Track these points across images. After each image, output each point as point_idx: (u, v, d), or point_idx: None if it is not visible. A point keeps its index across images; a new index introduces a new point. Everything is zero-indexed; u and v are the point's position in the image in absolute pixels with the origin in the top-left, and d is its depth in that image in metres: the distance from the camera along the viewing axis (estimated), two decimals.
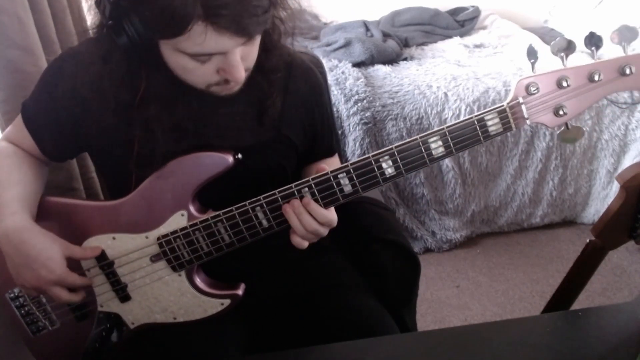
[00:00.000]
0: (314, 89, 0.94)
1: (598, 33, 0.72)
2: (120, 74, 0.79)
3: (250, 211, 0.80)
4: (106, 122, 0.83)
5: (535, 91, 0.74)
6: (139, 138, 0.81)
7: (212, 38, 0.67)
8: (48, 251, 0.78)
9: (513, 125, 0.76)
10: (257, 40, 0.76)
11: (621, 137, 2.04)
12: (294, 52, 0.93)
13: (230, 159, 0.81)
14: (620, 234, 1.00)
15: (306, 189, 0.78)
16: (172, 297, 0.87)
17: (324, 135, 0.99)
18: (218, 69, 0.74)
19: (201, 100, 0.84)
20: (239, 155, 0.82)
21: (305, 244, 0.81)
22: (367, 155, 0.78)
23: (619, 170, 2.07)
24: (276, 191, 0.79)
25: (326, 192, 0.79)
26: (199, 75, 0.75)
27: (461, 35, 2.52)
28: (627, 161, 2.07)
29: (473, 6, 2.64)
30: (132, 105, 0.80)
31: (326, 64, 2.04)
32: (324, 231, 0.80)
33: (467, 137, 0.77)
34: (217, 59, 0.73)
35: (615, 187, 2.05)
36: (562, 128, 0.77)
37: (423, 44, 2.47)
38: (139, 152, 0.81)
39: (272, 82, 0.87)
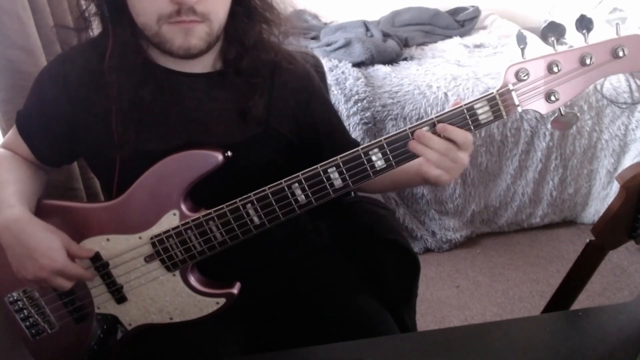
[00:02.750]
0: (302, 78, 0.92)
1: (588, 15, 0.70)
2: (94, 40, 0.81)
3: (241, 208, 0.79)
4: (90, 112, 0.83)
5: (525, 77, 0.72)
6: (114, 116, 0.81)
7: None
8: (48, 240, 0.78)
9: (504, 113, 0.74)
10: None
11: (621, 137, 2.03)
12: (280, 47, 0.91)
13: (220, 156, 0.81)
14: (620, 234, 1.00)
15: (296, 184, 0.78)
16: (168, 297, 0.87)
17: (331, 123, 0.96)
18: None
19: (176, 87, 0.84)
20: (229, 153, 0.82)
21: (444, 176, 0.75)
22: (356, 149, 0.77)
23: (619, 170, 2.07)
24: (266, 187, 0.78)
25: (316, 187, 0.78)
26: (151, 1, 0.74)
27: (461, 35, 2.52)
28: (627, 161, 2.07)
29: (473, 6, 2.64)
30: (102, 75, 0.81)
31: (326, 64, 2.04)
32: (463, 155, 0.75)
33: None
34: None
35: (615, 187, 2.05)
36: (556, 114, 0.75)
37: (423, 44, 2.47)
38: (116, 135, 0.82)
39: (252, 84, 0.86)
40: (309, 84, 0.93)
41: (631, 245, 1.99)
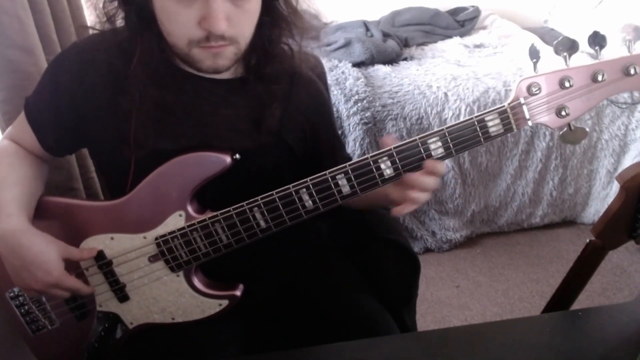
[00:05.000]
0: (316, 98, 0.93)
1: (602, 32, 0.71)
2: (119, 41, 0.80)
3: (248, 212, 0.79)
4: (106, 108, 0.83)
5: (537, 92, 0.73)
6: (134, 118, 0.81)
7: None
8: (44, 254, 0.78)
9: (514, 126, 0.75)
10: (251, 7, 0.75)
11: (621, 137, 2.04)
12: (299, 65, 0.90)
13: (228, 159, 0.81)
14: (620, 234, 1.00)
15: (304, 189, 0.78)
16: (171, 298, 0.87)
17: (331, 140, 0.98)
18: (200, 20, 0.72)
19: (196, 90, 0.84)
20: (237, 156, 0.82)
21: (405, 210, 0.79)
22: (365, 156, 0.77)
23: (619, 170, 2.07)
24: (274, 192, 0.79)
25: (324, 193, 0.78)
26: (181, 23, 0.74)
27: (461, 35, 2.52)
28: (627, 161, 2.07)
29: (473, 6, 2.64)
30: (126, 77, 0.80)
31: (326, 64, 2.04)
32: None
33: (467, 137, 0.76)
34: (199, 3, 0.71)
35: (615, 187, 2.05)
36: (565, 129, 0.76)
37: (423, 44, 2.46)
38: (135, 136, 0.81)
39: (273, 92, 0.86)
40: (321, 104, 0.94)
41: (631, 245, 1.99)
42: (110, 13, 0.81)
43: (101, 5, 0.80)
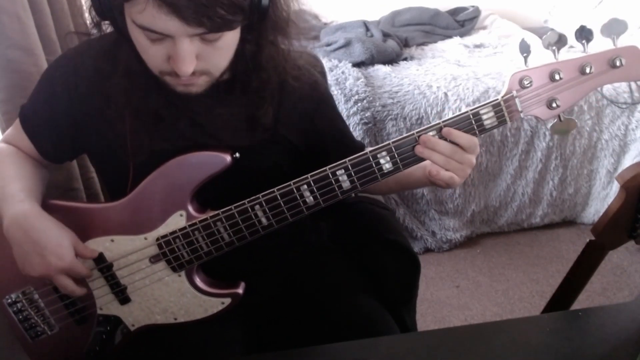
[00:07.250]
0: (310, 87, 0.92)
1: (588, 26, 0.73)
2: (106, 49, 0.81)
3: (250, 210, 0.80)
4: (101, 115, 0.83)
5: (529, 85, 0.75)
6: (128, 125, 0.81)
7: (151, 12, 0.65)
8: (58, 238, 0.78)
9: (507, 119, 0.77)
10: (224, 44, 0.73)
11: (621, 137, 2.04)
12: (290, 54, 0.89)
13: (228, 158, 0.81)
14: (620, 234, 1.00)
15: (305, 186, 0.78)
16: (173, 298, 0.87)
17: (338, 129, 0.97)
18: (168, 58, 0.72)
19: (182, 95, 0.83)
20: (237, 155, 0.82)
21: (454, 178, 0.78)
22: (364, 151, 0.78)
23: (619, 170, 2.07)
24: (275, 189, 0.79)
25: (325, 189, 0.79)
26: (151, 56, 0.74)
27: (461, 35, 2.52)
28: (627, 161, 2.07)
29: (473, 6, 2.64)
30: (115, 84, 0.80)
31: (326, 64, 2.04)
32: (469, 156, 0.77)
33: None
34: (167, 43, 0.70)
35: (615, 187, 2.05)
36: (555, 120, 0.78)
37: (423, 44, 2.47)
38: (131, 142, 0.82)
39: (262, 97, 0.85)
40: (316, 92, 0.93)
41: (631, 245, 1.99)
42: (96, 20, 0.80)
43: (87, 14, 0.80)
